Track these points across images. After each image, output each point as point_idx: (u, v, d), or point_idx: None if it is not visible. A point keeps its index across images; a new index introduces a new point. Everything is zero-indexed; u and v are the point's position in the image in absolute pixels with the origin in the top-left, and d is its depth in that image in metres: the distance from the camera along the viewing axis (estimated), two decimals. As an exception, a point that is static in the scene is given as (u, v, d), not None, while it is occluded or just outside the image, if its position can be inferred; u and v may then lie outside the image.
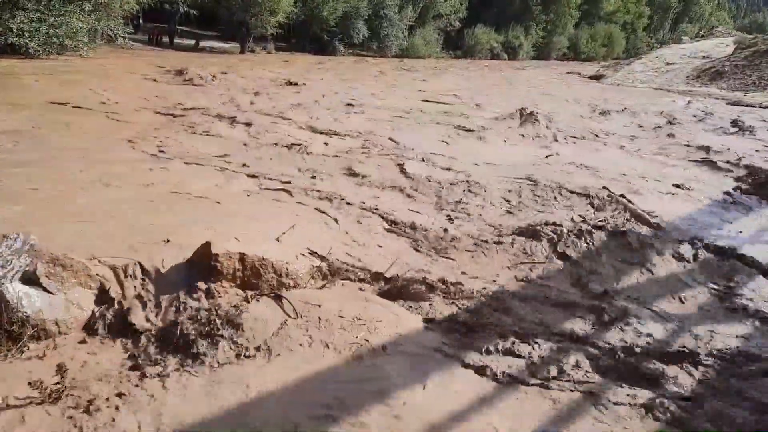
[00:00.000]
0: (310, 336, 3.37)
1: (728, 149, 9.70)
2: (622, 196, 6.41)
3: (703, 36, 39.52)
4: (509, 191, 6.53)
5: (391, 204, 5.86)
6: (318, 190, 6.01)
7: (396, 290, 4.08)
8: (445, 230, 5.23)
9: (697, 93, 20.46)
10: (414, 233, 5.12)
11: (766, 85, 20.96)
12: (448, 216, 5.68)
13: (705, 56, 26.49)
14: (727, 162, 8.78)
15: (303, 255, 4.27)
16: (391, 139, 8.84)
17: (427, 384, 3.07)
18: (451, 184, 6.63)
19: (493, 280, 4.35)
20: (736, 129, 11.81)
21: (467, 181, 6.72)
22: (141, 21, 26.03)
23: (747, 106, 17.05)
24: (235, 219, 4.77)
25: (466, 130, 9.95)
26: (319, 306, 3.65)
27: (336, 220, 5.21)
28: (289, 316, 3.53)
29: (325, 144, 8.22)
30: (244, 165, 6.71)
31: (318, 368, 3.12)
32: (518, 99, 15.20)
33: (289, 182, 6.18)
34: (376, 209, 5.62)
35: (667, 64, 26.54)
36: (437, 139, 9.19)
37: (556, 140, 9.70)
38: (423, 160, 7.66)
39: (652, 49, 33.83)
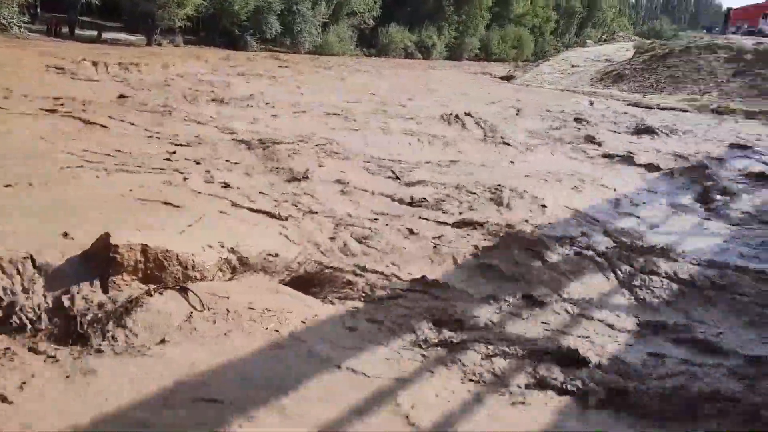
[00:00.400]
0: (217, 328, 3.21)
1: (635, 148, 10.06)
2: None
3: (605, 40, 41.46)
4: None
5: (319, 198, 5.75)
6: (228, 185, 5.81)
7: (309, 281, 3.97)
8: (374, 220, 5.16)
9: (601, 94, 21.31)
10: (333, 220, 5.03)
11: (662, 87, 22.08)
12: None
13: (607, 59, 27.69)
14: (630, 157, 9.14)
15: (210, 247, 4.08)
16: (326, 138, 8.59)
17: (333, 376, 2.96)
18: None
19: (409, 273, 4.30)
20: (639, 129, 12.28)
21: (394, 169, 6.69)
22: (39, 10, 24.58)
23: (646, 107, 17.90)
24: (139, 212, 4.52)
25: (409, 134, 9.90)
26: (228, 298, 3.50)
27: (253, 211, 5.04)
28: (195, 309, 3.35)
29: (235, 137, 7.99)
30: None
31: (222, 360, 2.96)
32: (441, 99, 15.31)
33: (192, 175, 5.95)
34: (298, 204, 5.49)
35: (573, 66, 27.57)
36: (364, 141, 9.10)
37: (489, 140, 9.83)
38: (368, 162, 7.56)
39: (559, 52, 35.06)
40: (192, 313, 3.32)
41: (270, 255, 4.16)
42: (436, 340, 3.38)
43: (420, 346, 3.31)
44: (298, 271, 4.08)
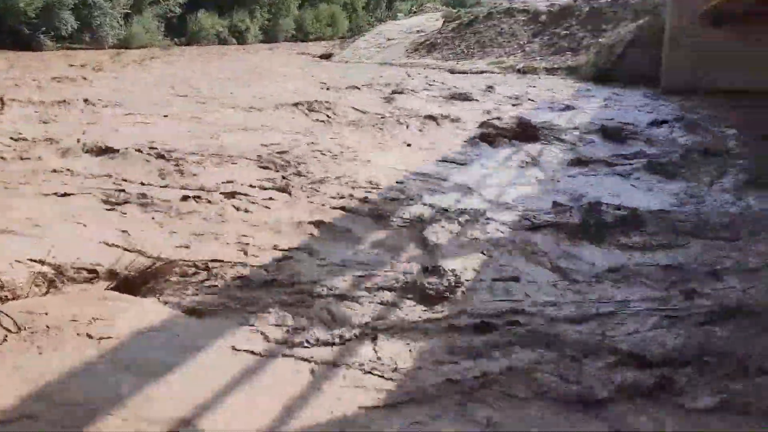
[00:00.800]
0: (37, 347, 2.87)
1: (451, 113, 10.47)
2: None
3: (415, 12, 42.71)
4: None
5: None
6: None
7: (140, 281, 3.68)
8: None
9: (417, 64, 22.02)
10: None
11: (472, 53, 23.25)
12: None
13: (419, 31, 28.61)
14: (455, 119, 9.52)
15: (19, 262, 3.66)
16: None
17: (170, 376, 2.77)
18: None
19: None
20: (455, 95, 12.79)
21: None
22: None
23: (460, 73, 18.77)
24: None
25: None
26: (46, 314, 3.14)
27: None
28: (10, 331, 2.98)
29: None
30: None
31: (50, 377, 2.66)
32: (277, 85, 14.84)
33: None
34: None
35: (388, 39, 28.20)
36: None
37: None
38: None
39: (373, 27, 35.69)
40: (6, 336, 2.95)
41: (92, 262, 3.81)
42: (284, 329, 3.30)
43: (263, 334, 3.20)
44: (128, 273, 3.76)
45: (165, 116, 9.19)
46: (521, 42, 23.21)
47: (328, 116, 9.72)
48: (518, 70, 18.52)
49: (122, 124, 8.45)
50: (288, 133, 8.37)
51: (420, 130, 8.90)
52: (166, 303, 3.47)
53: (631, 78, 14.62)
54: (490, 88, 13.55)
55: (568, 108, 10.98)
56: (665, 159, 7.26)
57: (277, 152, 7.06)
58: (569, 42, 21.25)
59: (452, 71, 19.11)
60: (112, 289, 3.61)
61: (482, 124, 8.93)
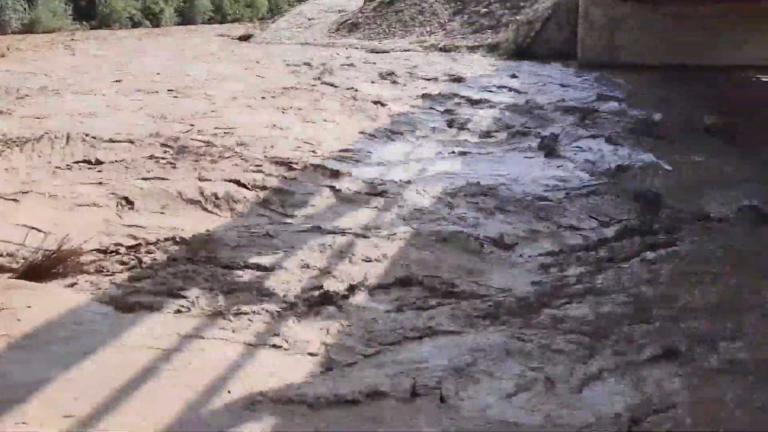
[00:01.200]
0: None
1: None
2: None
3: (336, -8, 42.36)
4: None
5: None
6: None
7: (48, 268, 3.46)
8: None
9: (339, 44, 21.78)
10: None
11: (394, 32, 23.21)
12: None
13: (341, 10, 28.32)
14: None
15: None
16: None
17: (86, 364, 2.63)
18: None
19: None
20: (383, 73, 12.70)
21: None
22: None
23: (383, 52, 18.69)
24: None
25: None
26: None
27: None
28: None
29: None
30: None
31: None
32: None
33: None
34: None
35: (309, 19, 27.79)
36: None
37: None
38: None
39: (293, 7, 35.12)
40: None
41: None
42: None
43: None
44: (34, 259, 3.52)
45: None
46: (442, 21, 23.30)
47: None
48: (440, 49, 18.62)
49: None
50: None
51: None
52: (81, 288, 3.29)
53: (550, 54, 14.95)
54: (415, 67, 13.56)
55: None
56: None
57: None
58: (489, 20, 21.47)
59: (375, 51, 19.01)
60: (20, 276, 3.38)
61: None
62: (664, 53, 13.12)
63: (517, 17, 18.84)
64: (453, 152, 6.67)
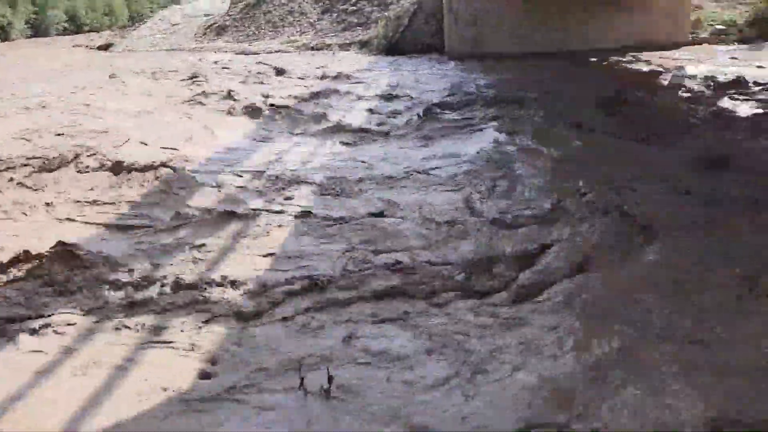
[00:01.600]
0: None
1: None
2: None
3: (199, -4, 41.16)
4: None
5: None
6: None
7: None
8: None
9: (208, 48, 21.18)
10: None
11: (264, 34, 22.86)
12: None
13: (206, 14, 27.55)
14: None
15: None
16: None
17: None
18: None
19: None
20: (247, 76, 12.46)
21: None
22: None
23: (253, 54, 18.34)
24: None
25: None
26: None
27: None
28: None
29: None
30: None
31: None
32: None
33: None
34: None
35: (173, 25, 26.84)
36: None
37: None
38: None
39: (155, 13, 33.74)
40: None
41: None
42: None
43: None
44: None
45: None
46: (312, 20, 23.19)
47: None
48: (312, 48, 18.55)
49: None
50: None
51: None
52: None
53: (419, 48, 15.32)
54: (290, 65, 13.43)
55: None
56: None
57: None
58: (358, 18, 21.60)
59: (245, 53, 18.64)
60: None
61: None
62: (524, 43, 13.79)
63: (386, 13, 19.08)
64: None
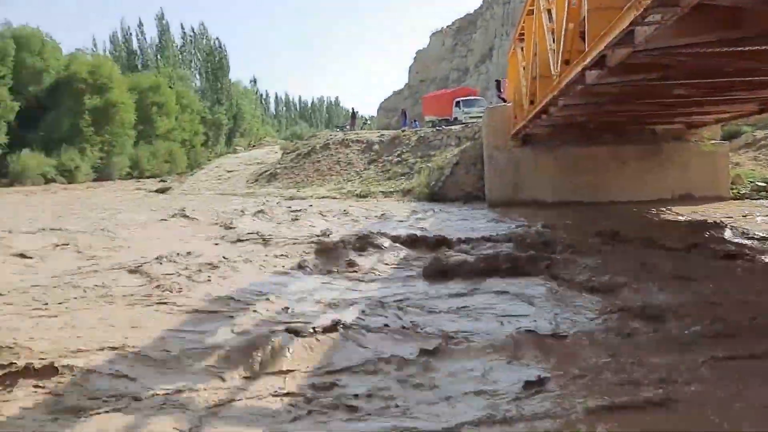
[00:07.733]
0: None
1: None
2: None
3: (254, 146, 43.75)
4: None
5: None
6: None
7: None
8: None
9: (259, 194, 22.24)
10: None
11: (312, 181, 23.94)
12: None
13: (259, 162, 29.17)
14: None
15: None
16: None
17: None
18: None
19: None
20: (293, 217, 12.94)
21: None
22: None
23: (301, 199, 19.14)
24: None
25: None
26: None
27: None
28: None
29: None
30: None
31: None
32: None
33: None
34: None
35: (228, 171, 28.40)
36: None
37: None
38: None
39: (212, 161, 35.84)
40: None
41: None
42: None
43: None
44: None
45: None
46: (358, 169, 24.23)
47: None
48: (357, 195, 19.29)
49: None
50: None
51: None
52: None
53: (460, 196, 15.87)
54: (329, 211, 13.92)
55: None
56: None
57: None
58: (402, 168, 22.53)
59: (293, 198, 19.44)
60: None
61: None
62: (561, 192, 14.14)
63: (428, 164, 19.90)
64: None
